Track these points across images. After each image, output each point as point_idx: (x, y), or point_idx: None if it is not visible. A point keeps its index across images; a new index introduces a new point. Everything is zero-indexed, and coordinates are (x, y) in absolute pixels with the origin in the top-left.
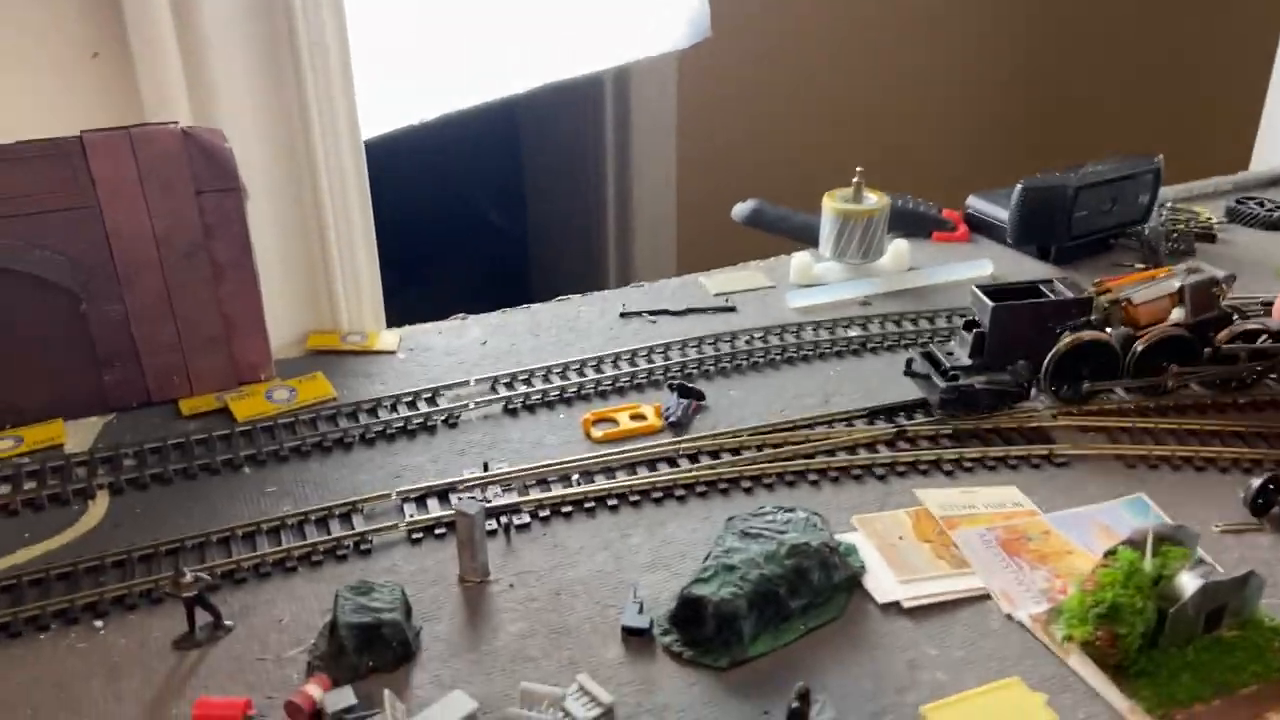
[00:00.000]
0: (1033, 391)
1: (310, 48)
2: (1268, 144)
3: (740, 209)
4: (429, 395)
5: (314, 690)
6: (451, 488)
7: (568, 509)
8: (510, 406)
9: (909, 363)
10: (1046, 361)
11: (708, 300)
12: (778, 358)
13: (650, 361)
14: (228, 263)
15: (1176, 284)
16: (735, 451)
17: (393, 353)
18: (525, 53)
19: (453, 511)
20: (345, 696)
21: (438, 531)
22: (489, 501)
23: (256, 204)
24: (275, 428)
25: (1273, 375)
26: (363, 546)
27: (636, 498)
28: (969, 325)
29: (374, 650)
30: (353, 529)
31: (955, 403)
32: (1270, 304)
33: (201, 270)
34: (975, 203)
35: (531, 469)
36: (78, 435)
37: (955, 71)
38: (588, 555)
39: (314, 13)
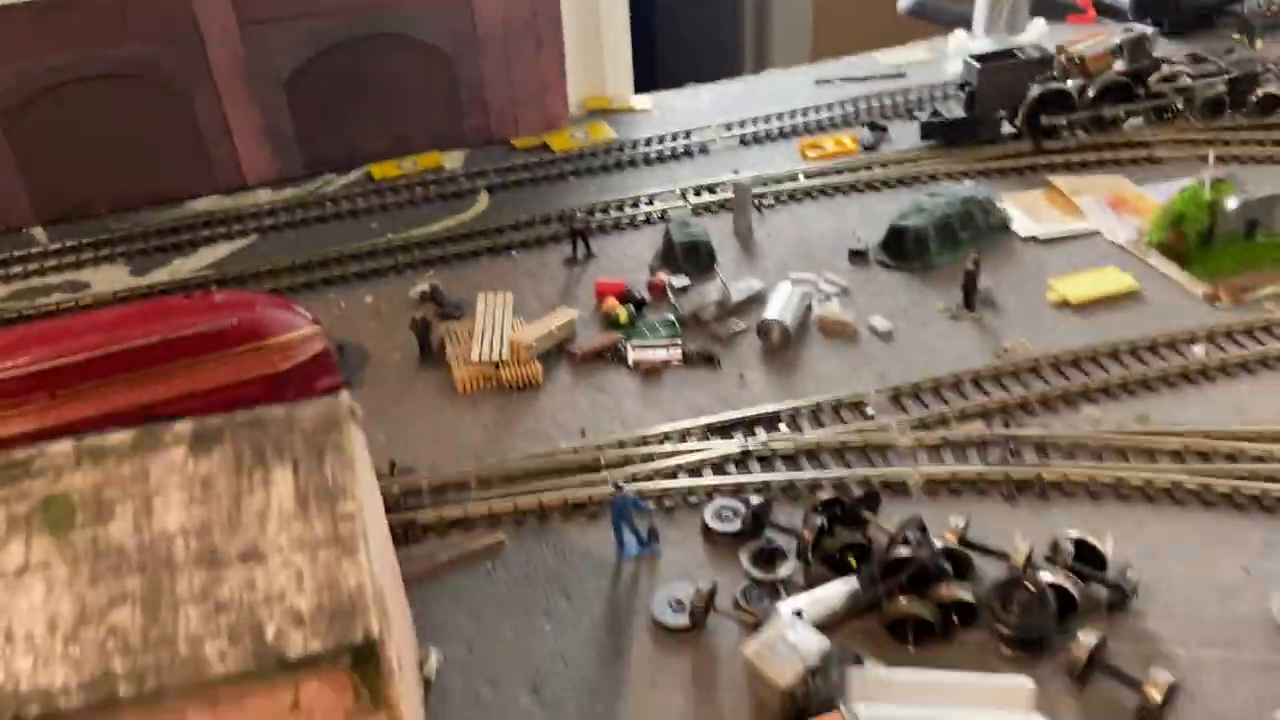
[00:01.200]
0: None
1: None
2: None
3: (904, 2)
4: (685, 134)
5: (664, 276)
6: (715, 186)
7: (799, 195)
8: (745, 140)
9: (914, 115)
10: (1022, 108)
11: (882, 70)
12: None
13: (844, 110)
14: (545, 36)
15: (1116, 40)
16: (914, 161)
17: (647, 110)
18: None
19: (718, 197)
20: (682, 279)
21: (711, 208)
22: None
23: None
24: (582, 155)
25: (1190, 105)
26: (664, 216)
27: (846, 189)
28: (962, 87)
29: (694, 258)
30: (654, 206)
31: (936, 134)
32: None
33: (529, 41)
34: None
35: (769, 174)
36: (451, 160)
37: None
38: (817, 221)
39: None
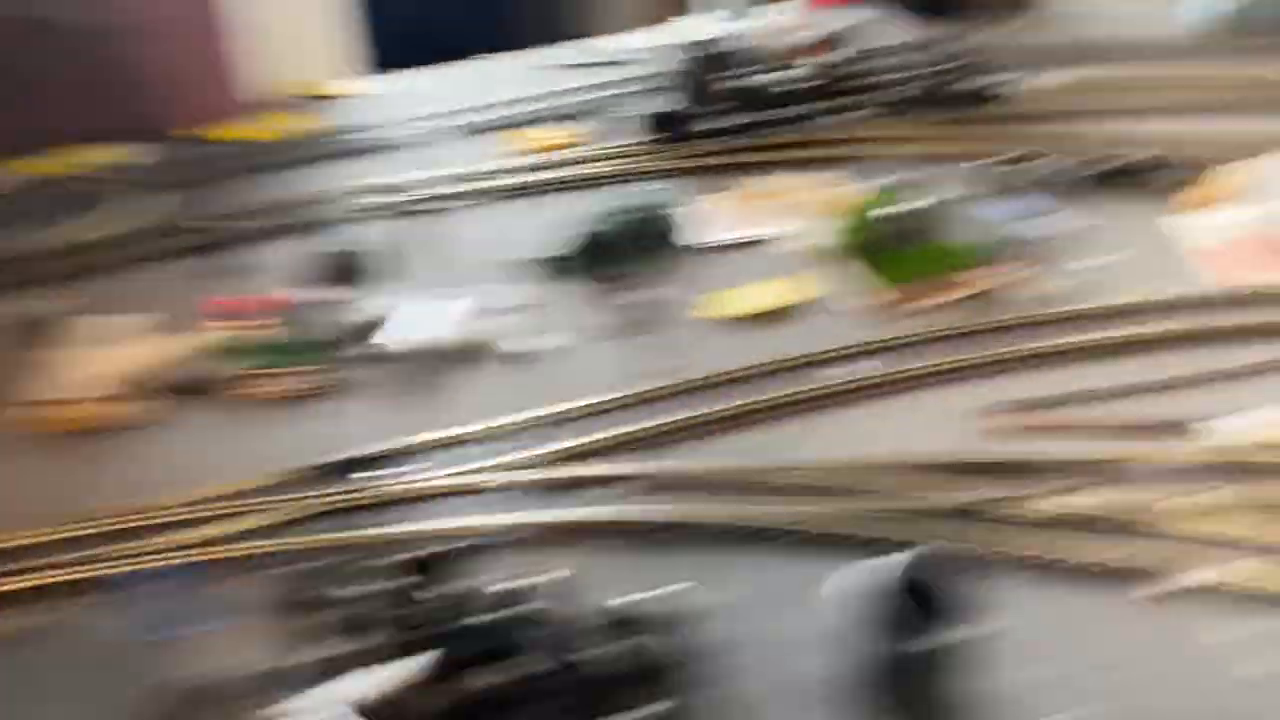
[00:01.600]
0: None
1: None
2: None
3: None
4: (390, 124)
5: (296, 292)
6: (399, 186)
7: (492, 197)
8: (449, 132)
9: (641, 120)
10: (726, 102)
11: (611, 55)
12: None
13: (563, 100)
14: (212, 17)
15: (824, 32)
16: (617, 158)
17: (352, 97)
18: None
19: (402, 199)
20: (322, 295)
21: (390, 211)
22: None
23: None
24: (258, 149)
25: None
26: (327, 220)
27: (541, 189)
28: (672, 78)
29: (343, 271)
30: (317, 209)
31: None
32: None
33: (194, 23)
34: None
35: (461, 173)
36: (106, 157)
37: None
38: (502, 227)
39: None
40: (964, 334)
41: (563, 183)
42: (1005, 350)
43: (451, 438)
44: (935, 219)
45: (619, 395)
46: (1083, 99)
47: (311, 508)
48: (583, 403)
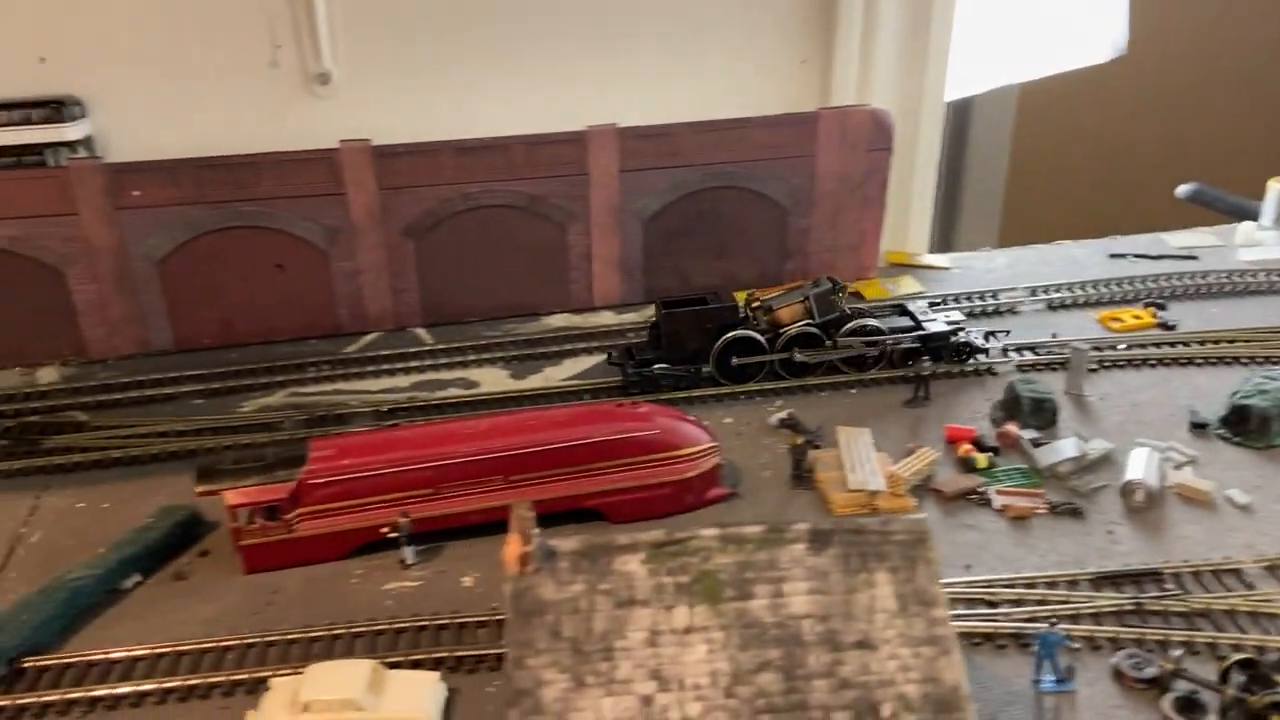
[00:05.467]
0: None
1: (930, 44)
2: None
3: (1184, 189)
4: (991, 294)
5: (1012, 427)
6: (1035, 346)
7: (1122, 364)
8: (1051, 305)
9: (609, 354)
10: (713, 351)
11: (1172, 250)
12: (1230, 291)
13: (1134, 286)
14: (871, 197)
15: (804, 295)
16: (1216, 342)
17: (946, 269)
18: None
19: (1043, 358)
20: (1030, 433)
21: (1038, 367)
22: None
23: None
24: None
25: (880, 358)
26: (990, 370)
27: (1169, 358)
28: (653, 327)
29: (1039, 414)
30: (978, 360)
31: (639, 384)
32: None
33: (856, 199)
34: None
35: (1091, 339)
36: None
37: None
38: (1142, 391)
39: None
40: None
41: (1185, 359)
42: None
43: (1205, 565)
44: None
45: None
46: None
47: (1122, 606)
48: None
